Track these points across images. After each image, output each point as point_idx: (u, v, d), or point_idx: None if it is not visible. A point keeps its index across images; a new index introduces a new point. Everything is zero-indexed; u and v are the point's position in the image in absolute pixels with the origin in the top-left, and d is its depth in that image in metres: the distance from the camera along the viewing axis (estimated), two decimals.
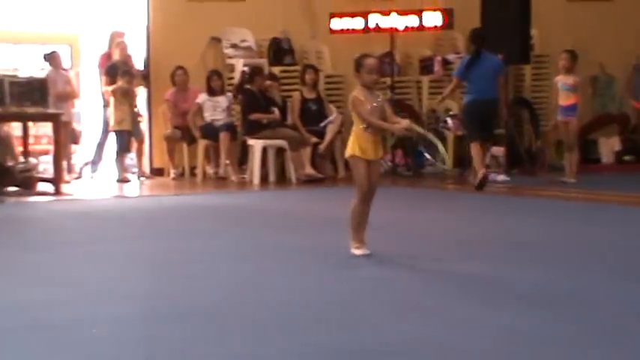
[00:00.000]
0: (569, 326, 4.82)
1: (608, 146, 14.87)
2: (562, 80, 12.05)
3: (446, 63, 14.75)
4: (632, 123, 14.57)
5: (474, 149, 11.77)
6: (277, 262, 6.96)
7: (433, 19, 13.18)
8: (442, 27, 13.38)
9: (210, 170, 13.50)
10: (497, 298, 5.57)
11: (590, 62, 14.50)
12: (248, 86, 13.16)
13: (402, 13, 13.26)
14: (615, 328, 4.81)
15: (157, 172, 13.84)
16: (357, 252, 6.85)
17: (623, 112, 14.95)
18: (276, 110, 13.21)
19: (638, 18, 15.02)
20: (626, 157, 14.61)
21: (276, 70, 13.92)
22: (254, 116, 12.97)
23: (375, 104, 6.76)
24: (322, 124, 13.40)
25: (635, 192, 10.96)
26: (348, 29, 13.50)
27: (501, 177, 12.52)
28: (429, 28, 13.44)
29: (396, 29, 13.34)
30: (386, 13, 13.29)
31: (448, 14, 13.17)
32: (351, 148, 6.82)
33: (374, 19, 13.34)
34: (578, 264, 6.62)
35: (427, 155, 13.95)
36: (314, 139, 13.32)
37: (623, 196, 10.66)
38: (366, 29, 13.47)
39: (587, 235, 7.99)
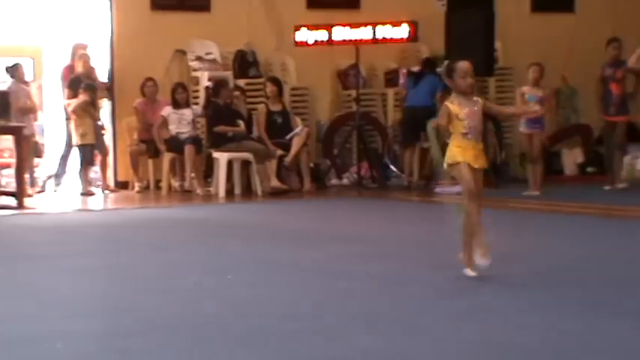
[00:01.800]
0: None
1: (571, 158, 14.95)
2: (530, 92, 12.03)
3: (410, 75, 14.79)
4: (595, 135, 14.66)
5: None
6: (244, 274, 6.93)
7: (398, 31, 13.22)
8: (407, 39, 13.43)
9: (175, 183, 13.44)
10: (460, 308, 5.57)
11: (552, 74, 14.59)
12: (213, 99, 13.12)
13: (367, 25, 13.28)
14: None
15: (121, 186, 13.76)
16: (470, 274, 6.36)
17: (586, 124, 15.04)
18: (241, 123, 13.19)
19: (600, 29, 15.14)
20: (589, 169, 14.71)
21: (241, 82, 13.89)
22: (219, 129, 12.93)
23: (474, 108, 6.39)
24: (288, 137, 13.39)
25: (598, 203, 11.03)
26: (313, 41, 13.51)
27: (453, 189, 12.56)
28: (395, 41, 13.48)
29: (361, 41, 13.36)
30: (351, 26, 13.31)
31: (413, 26, 13.22)
32: (450, 157, 6.44)
33: (339, 32, 13.36)
34: (537, 272, 6.64)
35: (393, 167, 13.98)
36: (280, 152, 13.31)
37: (586, 207, 10.72)
38: (331, 42, 13.48)
39: (548, 246, 8.03)
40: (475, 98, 6.47)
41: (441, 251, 7.70)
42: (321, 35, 13.45)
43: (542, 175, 12.28)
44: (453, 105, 6.41)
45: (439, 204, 11.70)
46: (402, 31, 13.20)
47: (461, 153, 6.39)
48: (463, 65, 6.41)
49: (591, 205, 10.77)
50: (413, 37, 13.40)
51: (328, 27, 13.40)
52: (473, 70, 6.41)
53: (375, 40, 13.34)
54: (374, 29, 13.27)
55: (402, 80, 14.70)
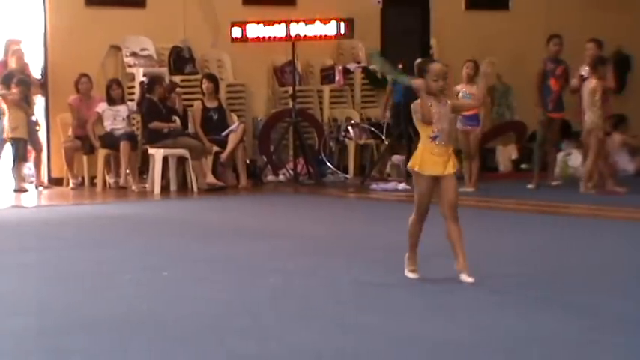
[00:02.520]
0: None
1: (506, 155, 15.11)
2: (464, 89, 12.12)
3: (347, 72, 14.85)
4: (529, 132, 14.83)
5: None
6: (182, 271, 6.91)
7: (334, 28, 13.26)
8: (343, 36, 13.47)
9: (110, 180, 13.34)
10: (393, 304, 5.61)
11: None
12: (148, 95, 13.04)
13: (303, 22, 13.30)
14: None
15: (55, 182, 13.62)
16: (410, 275, 6.30)
17: (520, 121, 15.21)
18: (177, 119, 13.14)
19: (534, 25, 15.34)
20: (523, 166, 14.88)
21: (176, 78, 13.83)
22: (154, 125, 12.86)
23: (443, 110, 6.22)
24: (224, 133, 13.36)
25: (532, 200, 11.16)
26: (249, 38, 13.49)
27: (401, 185, 12.64)
28: (330, 37, 13.52)
29: (297, 38, 13.37)
30: (286, 22, 13.32)
31: (349, 23, 13.27)
32: (412, 161, 6.28)
33: (275, 28, 13.35)
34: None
35: (328, 164, 14.02)
36: (216, 148, 13.27)
37: (519, 203, 10.86)
38: (267, 38, 13.47)
39: (482, 242, 8.13)
40: (445, 100, 6.30)
41: (375, 248, 7.76)
42: (257, 31, 13.43)
43: (477, 171, 12.39)
44: (419, 104, 6.25)
45: (375, 200, 11.78)
46: (337, 28, 13.22)
47: (427, 163, 6.20)
48: (436, 67, 6.26)
49: (525, 202, 10.90)
50: (348, 34, 13.44)
51: (265, 23, 13.38)
52: (446, 73, 6.31)
53: (310, 37, 13.36)
54: (308, 26, 13.28)
55: (337, 77, 14.75)
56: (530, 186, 12.44)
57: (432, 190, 6.22)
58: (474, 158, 12.34)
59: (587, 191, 11.55)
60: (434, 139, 6.18)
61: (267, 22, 13.35)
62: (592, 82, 11.58)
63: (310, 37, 13.37)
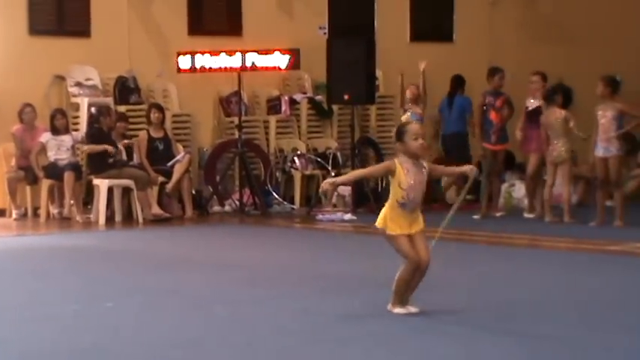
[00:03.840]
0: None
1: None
2: (411, 109, 12.30)
3: (293, 103, 14.88)
4: (473, 162, 14.92)
5: None
6: (127, 302, 6.85)
7: (280, 59, 13.30)
8: (289, 67, 13.52)
9: (54, 210, 13.21)
10: (342, 334, 5.61)
11: (433, 102, 14.85)
12: (97, 125, 12.96)
13: (248, 52, 13.30)
14: None
15: None
16: (398, 310, 6.14)
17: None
18: (122, 150, 13.07)
19: (478, 58, 15.51)
20: (468, 197, 14.94)
21: (122, 108, 13.76)
22: (89, 148, 12.77)
23: (419, 178, 6.07)
24: (170, 163, 13.30)
25: (477, 230, 11.24)
26: (195, 68, 13.47)
27: (347, 216, 12.67)
28: (275, 69, 13.54)
29: (243, 69, 13.38)
30: (233, 53, 13.33)
31: (295, 54, 13.32)
32: (383, 222, 6.13)
33: (221, 59, 13.35)
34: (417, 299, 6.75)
35: (275, 194, 14.01)
36: (161, 179, 13.21)
37: (465, 234, 10.93)
38: (213, 69, 13.46)
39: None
40: (423, 163, 6.14)
41: (322, 277, 7.75)
42: (203, 62, 13.41)
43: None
44: (401, 168, 6.09)
45: (321, 230, 11.78)
46: (283, 60, 13.27)
47: (395, 223, 6.09)
48: (414, 127, 6.18)
49: (470, 233, 10.96)
50: (294, 65, 13.49)
51: (211, 53, 13.38)
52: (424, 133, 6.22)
53: (255, 68, 13.38)
54: (256, 57, 13.29)
55: (284, 107, 14.77)
56: (475, 216, 12.52)
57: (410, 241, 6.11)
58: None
59: (571, 220, 11.62)
60: (402, 205, 6.08)
61: (214, 53, 13.35)
62: (561, 113, 11.70)
63: (258, 68, 13.39)
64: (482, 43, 16.33)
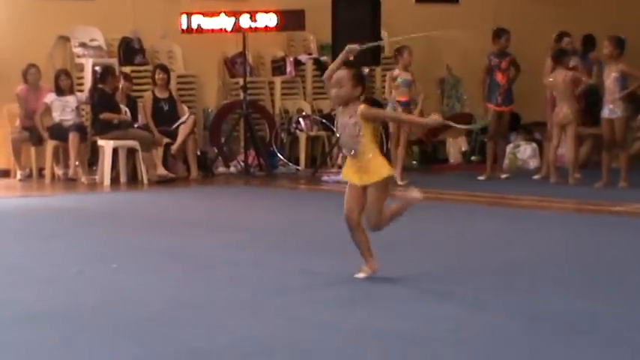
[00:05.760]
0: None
1: (456, 147, 15.20)
2: (402, 75, 12.18)
3: (298, 64, 14.84)
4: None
5: None
6: (131, 263, 6.87)
7: (268, 20, 13.32)
8: (277, 28, 13.51)
9: (59, 171, 13.22)
10: (342, 296, 5.63)
11: (437, 63, 14.81)
12: (100, 85, 12.94)
13: (254, 13, 13.27)
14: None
15: (2, 174, 13.46)
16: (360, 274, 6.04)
17: (469, 113, 15.28)
18: (127, 111, 13.06)
19: (483, 19, 15.42)
20: (473, 157, 14.97)
21: (126, 69, 13.73)
22: (104, 116, 12.77)
23: (346, 119, 5.94)
24: (175, 125, 13.29)
25: (481, 192, 11.24)
26: (199, 29, 13.42)
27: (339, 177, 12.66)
28: (271, 29, 13.51)
29: (248, 29, 13.33)
30: (237, 14, 13.28)
31: (299, 15, 13.29)
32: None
33: (226, 19, 13.31)
34: (413, 259, 6.75)
35: (280, 156, 14.01)
36: (166, 140, 13.21)
37: (469, 195, 10.93)
38: (218, 29, 13.42)
39: (429, 235, 8.18)
40: (357, 107, 5.92)
41: (325, 239, 7.76)
42: (209, 22, 13.37)
43: (404, 159, 12.27)
44: (339, 114, 6.06)
45: (326, 192, 11.79)
46: (271, 20, 13.32)
47: (346, 168, 6.07)
48: (336, 75, 5.96)
49: (476, 194, 10.97)
50: (298, 26, 13.47)
51: (215, 14, 13.33)
52: (352, 77, 5.91)
53: (260, 29, 13.34)
54: (261, 16, 13.27)
55: (289, 68, 14.73)
56: (480, 177, 12.52)
57: (357, 197, 5.93)
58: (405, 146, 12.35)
59: (576, 182, 11.62)
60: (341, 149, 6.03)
61: (218, 13, 13.30)
62: (567, 74, 11.67)
63: (260, 29, 13.36)
64: (488, 4, 16.22)
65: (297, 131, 14.44)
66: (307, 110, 14.68)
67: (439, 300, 5.55)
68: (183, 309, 5.35)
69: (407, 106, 12.14)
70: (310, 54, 14.99)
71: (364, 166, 5.92)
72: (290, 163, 14.07)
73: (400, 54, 12.38)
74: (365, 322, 4.97)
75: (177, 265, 6.82)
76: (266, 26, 13.44)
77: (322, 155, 14.18)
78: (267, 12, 13.37)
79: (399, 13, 15.11)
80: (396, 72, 12.26)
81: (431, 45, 13.89)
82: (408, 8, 15.79)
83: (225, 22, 13.32)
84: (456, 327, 4.86)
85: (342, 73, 5.94)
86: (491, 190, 11.23)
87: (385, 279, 6.05)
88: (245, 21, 13.30)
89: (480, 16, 15.76)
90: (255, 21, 13.35)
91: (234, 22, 13.31)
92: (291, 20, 13.57)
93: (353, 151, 5.95)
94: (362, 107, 5.94)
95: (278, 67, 14.94)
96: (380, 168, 5.93)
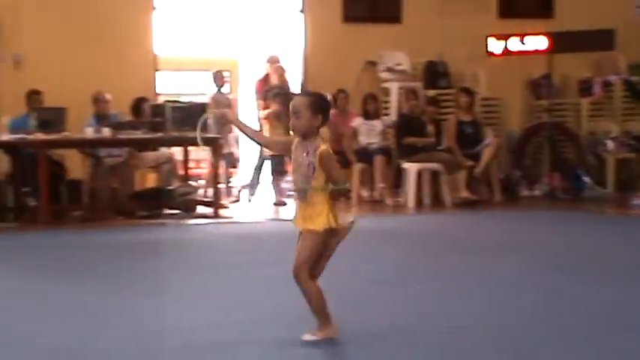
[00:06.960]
0: None
1: None
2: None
3: (606, 84, 14.45)
4: None
5: None
6: (434, 285, 6.92)
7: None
8: (548, 50, 13.25)
9: (365, 194, 13.53)
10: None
11: None
12: (403, 110, 13.16)
13: (561, 34, 13.08)
14: None
15: None
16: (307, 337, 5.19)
17: None
18: (433, 133, 13.20)
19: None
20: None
21: (430, 93, 13.89)
22: (408, 140, 12.96)
23: (301, 158, 5.17)
24: (478, 147, 13.28)
25: None
26: (505, 51, 13.37)
27: None
28: (542, 52, 13.30)
29: (554, 51, 13.15)
30: (543, 35, 13.12)
31: (608, 35, 12.97)
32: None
33: (531, 41, 13.19)
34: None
35: (586, 178, 13.66)
36: (469, 162, 13.22)
37: None
38: (522, 52, 13.33)
39: None
40: (318, 146, 5.20)
41: (636, 268, 7.48)
42: (513, 45, 13.30)
43: None
44: (294, 146, 5.19)
45: (636, 217, 11.35)
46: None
47: (294, 215, 5.22)
48: (293, 102, 5.13)
49: None
50: (606, 46, 13.12)
51: (520, 36, 13.24)
52: (309, 105, 5.14)
53: (568, 50, 13.13)
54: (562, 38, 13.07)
55: (596, 89, 14.37)
56: None
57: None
58: None
59: None
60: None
61: (523, 35, 13.20)
62: None
63: (514, 52, 13.20)
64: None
65: (605, 153, 14.02)
66: (615, 132, 14.23)
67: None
68: (490, 332, 5.32)
69: None
70: (618, 74, 14.54)
71: (309, 213, 5.10)
72: (597, 187, 13.68)
73: None
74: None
75: (481, 287, 6.79)
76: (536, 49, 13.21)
77: (632, 178, 13.68)
78: (536, 34, 13.11)
79: None
80: None
81: None
82: None
83: (533, 43, 13.20)
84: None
85: (299, 101, 5.15)
86: None
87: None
88: (514, 44, 13.12)
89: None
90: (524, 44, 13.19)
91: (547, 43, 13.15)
92: (598, 40, 13.24)
93: (302, 195, 5.11)
94: (322, 150, 5.16)
95: (585, 88, 14.61)
96: (319, 218, 5.08)
